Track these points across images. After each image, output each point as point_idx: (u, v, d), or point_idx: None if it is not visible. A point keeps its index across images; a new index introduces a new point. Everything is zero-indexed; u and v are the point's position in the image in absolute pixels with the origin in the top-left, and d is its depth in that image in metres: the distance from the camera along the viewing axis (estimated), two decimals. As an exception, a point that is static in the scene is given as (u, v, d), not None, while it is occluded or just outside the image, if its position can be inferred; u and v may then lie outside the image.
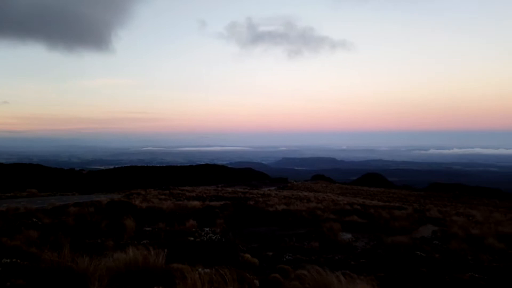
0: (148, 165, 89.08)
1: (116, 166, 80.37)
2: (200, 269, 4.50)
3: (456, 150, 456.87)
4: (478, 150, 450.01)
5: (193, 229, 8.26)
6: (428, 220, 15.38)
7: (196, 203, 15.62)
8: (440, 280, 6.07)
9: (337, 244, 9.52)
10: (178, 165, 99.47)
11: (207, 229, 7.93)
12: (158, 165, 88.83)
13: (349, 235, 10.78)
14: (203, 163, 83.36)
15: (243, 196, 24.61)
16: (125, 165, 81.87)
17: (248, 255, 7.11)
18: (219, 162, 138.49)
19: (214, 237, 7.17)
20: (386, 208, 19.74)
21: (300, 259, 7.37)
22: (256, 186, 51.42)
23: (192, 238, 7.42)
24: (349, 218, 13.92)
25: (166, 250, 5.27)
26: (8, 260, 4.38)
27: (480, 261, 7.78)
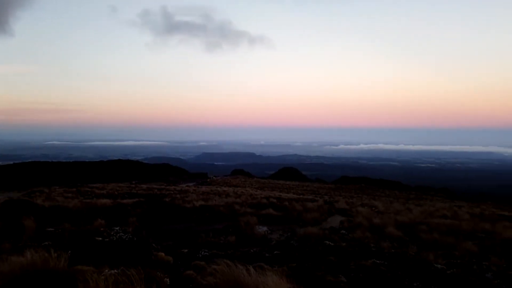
0: (53, 160, 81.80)
1: (16, 162, 72.52)
2: (106, 271, 4.22)
3: (362, 146, 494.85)
4: (381, 146, 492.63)
5: (102, 229, 7.73)
6: (337, 211, 16.40)
7: (106, 201, 14.72)
8: (346, 267, 6.47)
9: (254, 237, 9.69)
10: (87, 160, 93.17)
11: (117, 228, 7.48)
12: (65, 161, 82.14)
13: (265, 228, 11.03)
14: (115, 159, 78.86)
15: (159, 192, 23.82)
16: (27, 161, 74.31)
17: (162, 254, 6.87)
18: (133, 158, 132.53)
19: (124, 237, 6.78)
20: (300, 200, 20.62)
21: (216, 254, 7.32)
22: (174, 182, 50.23)
23: (100, 238, 6.94)
24: (265, 211, 14.27)
25: (69, 251, 4.89)
26: None
27: (381, 248, 8.47)
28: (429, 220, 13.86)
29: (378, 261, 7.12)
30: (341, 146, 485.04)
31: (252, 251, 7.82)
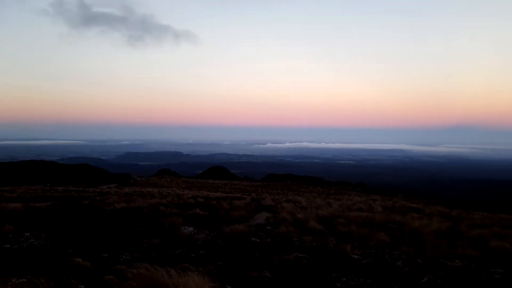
0: (-46, 162, 72.79)
1: None
2: (14, 280, 3.85)
3: (288, 144, 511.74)
4: (305, 144, 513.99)
5: (10, 235, 7.05)
6: (263, 208, 16.74)
7: (16, 205, 13.43)
8: (270, 262, 6.63)
9: (179, 239, 9.50)
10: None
11: (28, 234, 6.87)
12: (-32, 163, 73.55)
13: (191, 228, 10.88)
14: (28, 159, 72.28)
15: (76, 195, 22.30)
16: None
17: (79, 259, 6.44)
18: (48, 158, 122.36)
19: (36, 243, 6.26)
20: (227, 199, 20.69)
21: (139, 258, 7.05)
22: (93, 183, 47.39)
23: (8, 246, 6.33)
24: (192, 211, 14.09)
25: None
26: None
27: (303, 242, 8.82)
28: (347, 214, 14.74)
29: (300, 255, 7.41)
30: (269, 145, 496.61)
31: (177, 252, 7.67)
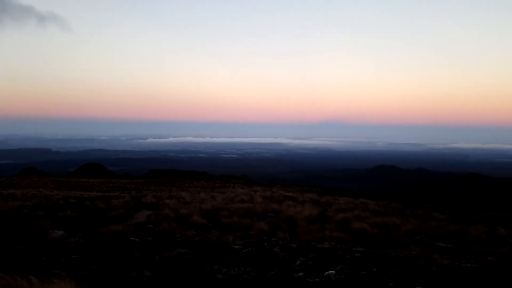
0: None
1: None
2: None
3: (171, 139, 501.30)
4: (189, 139, 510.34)
5: None
6: (144, 205, 16.12)
7: None
8: (151, 261, 6.44)
9: (47, 243, 8.56)
10: None
11: None
12: None
13: (61, 232, 9.91)
14: None
15: None
16: None
17: None
18: None
19: None
20: (103, 198, 19.36)
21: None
22: None
23: None
24: (62, 213, 12.85)
25: None
26: None
27: (186, 237, 8.77)
28: (230, 206, 15.13)
29: (182, 250, 7.35)
30: (150, 140, 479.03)
31: (44, 258, 6.89)
